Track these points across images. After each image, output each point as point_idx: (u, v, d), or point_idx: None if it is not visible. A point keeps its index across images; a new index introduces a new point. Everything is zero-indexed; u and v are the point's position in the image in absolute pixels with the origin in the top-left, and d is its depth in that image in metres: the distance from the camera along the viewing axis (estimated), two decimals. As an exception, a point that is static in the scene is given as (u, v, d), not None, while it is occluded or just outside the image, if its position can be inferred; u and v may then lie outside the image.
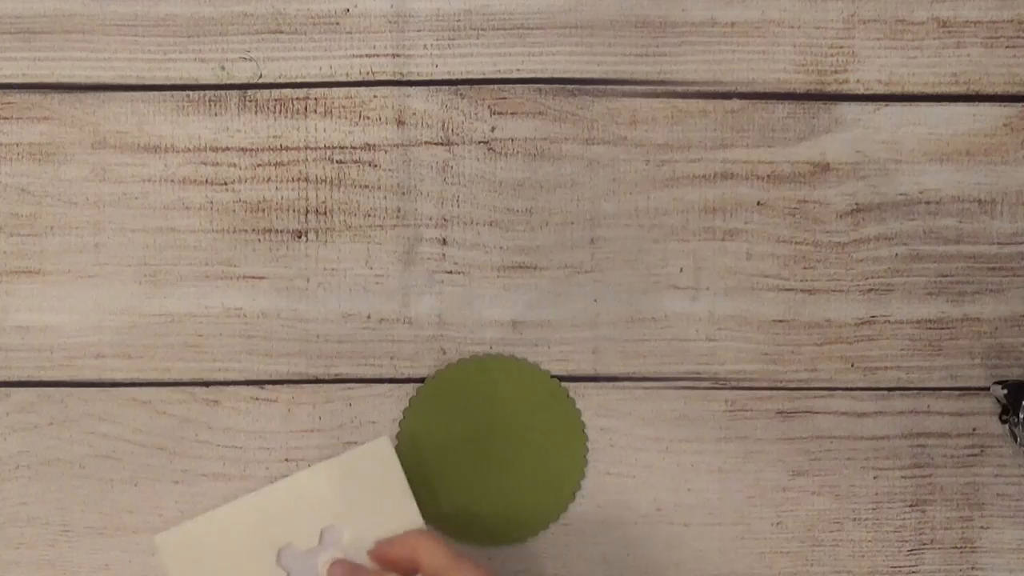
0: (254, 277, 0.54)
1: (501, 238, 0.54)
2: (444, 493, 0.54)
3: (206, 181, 0.54)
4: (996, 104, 0.54)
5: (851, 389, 0.54)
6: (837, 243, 0.54)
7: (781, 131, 0.54)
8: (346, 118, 0.54)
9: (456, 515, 0.53)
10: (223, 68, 0.54)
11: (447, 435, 0.54)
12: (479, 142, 0.54)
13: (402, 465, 0.54)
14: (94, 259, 0.54)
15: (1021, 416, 0.52)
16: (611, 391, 0.54)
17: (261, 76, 0.54)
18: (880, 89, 0.54)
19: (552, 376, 0.54)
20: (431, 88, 0.54)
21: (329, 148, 0.54)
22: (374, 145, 0.54)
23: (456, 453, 0.54)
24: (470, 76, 0.54)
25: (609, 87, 0.54)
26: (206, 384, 0.54)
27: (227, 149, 0.54)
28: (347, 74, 0.54)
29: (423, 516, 0.54)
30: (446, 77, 0.54)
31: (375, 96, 0.54)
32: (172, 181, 0.54)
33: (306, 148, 0.54)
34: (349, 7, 0.54)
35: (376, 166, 0.54)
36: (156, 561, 0.54)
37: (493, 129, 0.54)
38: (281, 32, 0.54)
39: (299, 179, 0.54)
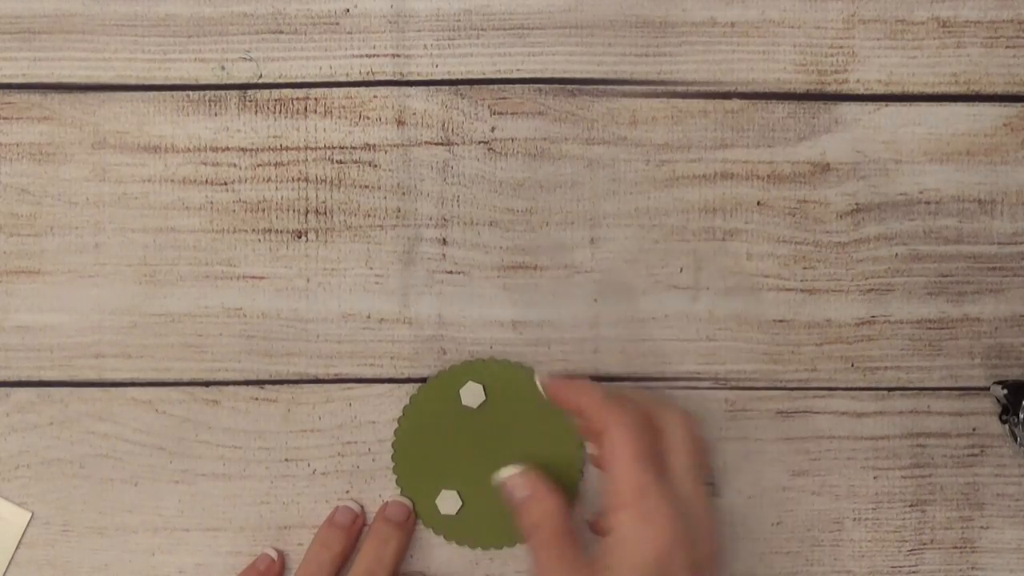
0: (254, 277, 0.54)
1: (501, 238, 0.54)
2: (442, 495, 0.53)
3: (206, 181, 0.54)
4: (996, 104, 0.54)
5: (851, 389, 0.54)
6: (837, 243, 0.54)
7: (781, 131, 0.54)
8: (346, 118, 0.54)
9: (455, 517, 0.53)
10: (223, 68, 0.54)
11: (445, 437, 0.54)
12: (479, 142, 0.54)
13: (400, 468, 0.54)
14: (94, 259, 0.54)
15: (1021, 416, 0.52)
16: (611, 391, 0.54)
17: (261, 76, 0.54)
18: (880, 89, 0.54)
19: (552, 376, 0.54)
20: (431, 88, 0.54)
21: (329, 148, 0.54)
22: (374, 145, 0.54)
23: (454, 456, 0.54)
24: (470, 76, 0.54)
25: (609, 87, 0.54)
26: (206, 384, 0.54)
27: (227, 149, 0.54)
28: (347, 74, 0.54)
29: (422, 518, 0.54)
30: (446, 77, 0.54)
31: (375, 96, 0.54)
32: (172, 181, 0.54)
33: (306, 148, 0.54)
34: (349, 7, 0.54)
35: (376, 166, 0.54)
36: (156, 561, 0.54)
37: (493, 129, 0.54)
38: (281, 32, 0.54)
39: (299, 179, 0.54)
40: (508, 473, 0.50)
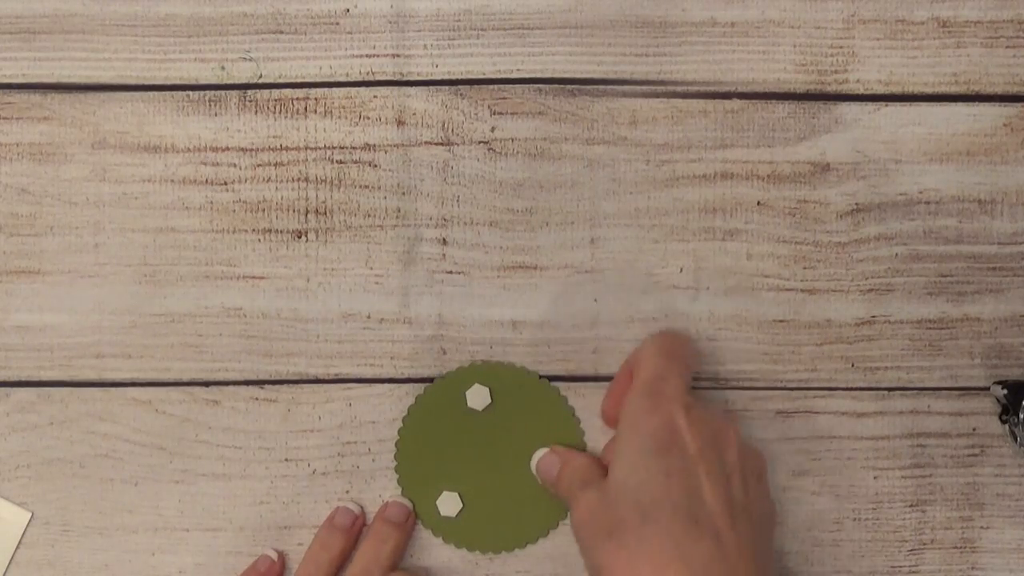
0: (254, 277, 0.54)
1: (501, 238, 0.54)
2: (443, 497, 0.53)
3: (206, 181, 0.54)
4: (996, 104, 0.54)
5: (851, 389, 0.54)
6: (837, 243, 0.54)
7: (781, 131, 0.54)
8: (346, 118, 0.54)
9: (455, 519, 0.53)
10: (223, 68, 0.54)
11: (449, 439, 0.54)
12: (479, 142, 0.54)
13: (402, 467, 0.54)
14: (94, 259, 0.54)
15: (1021, 416, 0.52)
16: (611, 391, 0.54)
17: (261, 76, 0.54)
18: (880, 89, 0.54)
19: (551, 378, 0.54)
20: (431, 88, 0.54)
21: (329, 148, 0.54)
22: (374, 145, 0.54)
23: (457, 457, 0.54)
24: (470, 76, 0.54)
25: (609, 87, 0.54)
26: (206, 384, 0.54)
27: (227, 149, 0.54)
28: (347, 74, 0.54)
29: (421, 518, 0.54)
30: (446, 77, 0.54)
31: (375, 96, 0.54)
32: (172, 181, 0.54)
33: (306, 148, 0.54)
34: (349, 7, 0.54)
35: (376, 166, 0.54)
36: (156, 561, 0.54)
37: (493, 129, 0.54)
38: (281, 32, 0.54)
39: (299, 179, 0.54)
40: (539, 456, 0.52)
